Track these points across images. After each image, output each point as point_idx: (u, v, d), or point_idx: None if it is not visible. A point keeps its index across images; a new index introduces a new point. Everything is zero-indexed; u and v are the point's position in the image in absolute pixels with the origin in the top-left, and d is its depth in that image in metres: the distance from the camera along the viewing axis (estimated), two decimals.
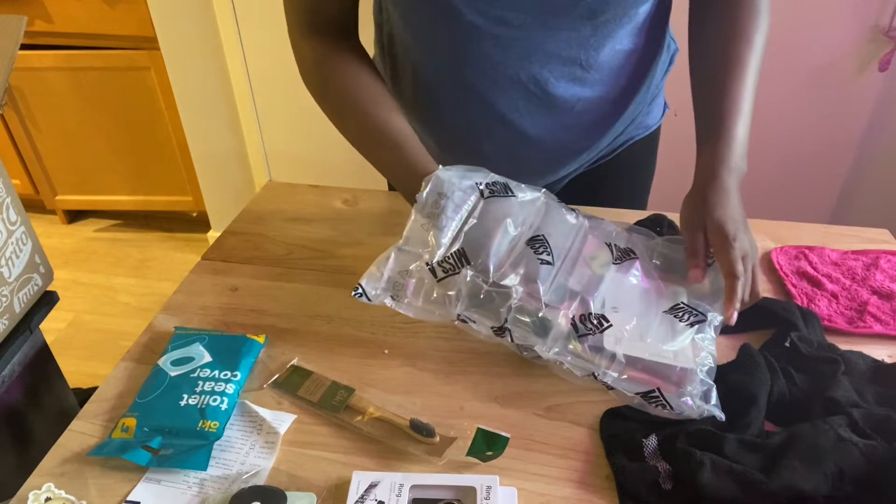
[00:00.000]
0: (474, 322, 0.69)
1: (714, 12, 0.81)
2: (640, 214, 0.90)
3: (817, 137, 1.83)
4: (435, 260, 0.69)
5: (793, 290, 0.82)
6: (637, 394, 0.65)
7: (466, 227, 0.71)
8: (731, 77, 0.77)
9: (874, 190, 1.91)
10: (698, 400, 0.63)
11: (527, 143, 0.87)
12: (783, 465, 0.57)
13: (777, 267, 0.86)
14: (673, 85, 0.98)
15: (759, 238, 0.91)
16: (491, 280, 0.68)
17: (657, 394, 0.64)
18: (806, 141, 1.83)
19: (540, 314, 0.67)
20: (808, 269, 0.85)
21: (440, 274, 0.69)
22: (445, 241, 0.70)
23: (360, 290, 0.70)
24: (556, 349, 0.67)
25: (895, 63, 1.68)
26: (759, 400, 0.64)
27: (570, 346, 0.67)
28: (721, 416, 0.63)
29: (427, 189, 0.72)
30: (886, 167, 1.87)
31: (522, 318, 0.68)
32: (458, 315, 0.69)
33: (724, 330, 0.75)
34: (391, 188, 1.10)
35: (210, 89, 1.96)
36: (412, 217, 0.72)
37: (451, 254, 0.70)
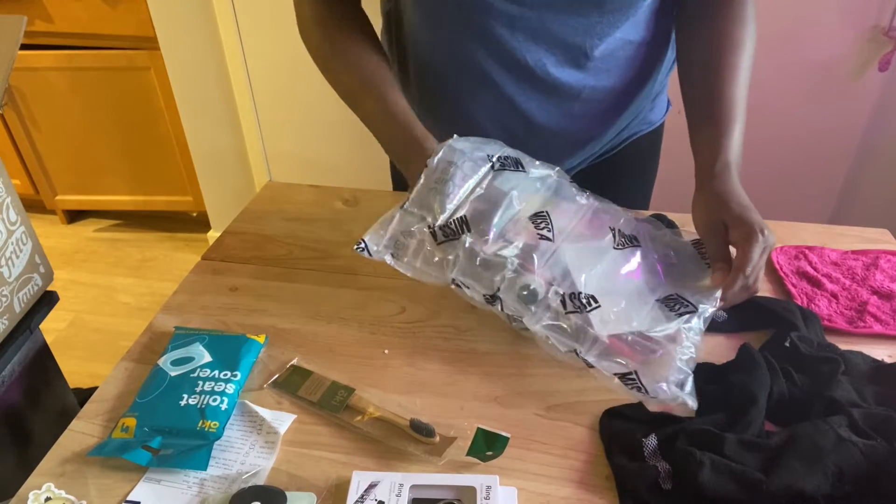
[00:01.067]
0: (468, 288, 0.71)
1: (703, 22, 0.82)
2: (641, 214, 0.90)
3: (817, 137, 1.82)
4: (437, 224, 0.71)
5: (793, 290, 0.82)
6: (615, 374, 0.65)
7: (472, 197, 0.73)
8: (727, 81, 0.78)
9: (874, 190, 1.91)
10: (674, 387, 0.64)
11: (533, 131, 0.88)
12: (783, 465, 0.57)
13: (777, 267, 0.86)
14: (676, 84, 0.98)
15: None
16: (489, 249, 0.70)
17: (634, 377, 0.65)
18: (806, 141, 1.83)
19: (531, 286, 0.69)
20: (808, 269, 0.85)
21: (440, 237, 0.71)
22: (450, 208, 0.72)
23: (362, 245, 0.72)
24: (544, 322, 0.68)
25: (895, 63, 1.68)
26: (759, 400, 0.64)
27: (559, 322, 0.68)
28: (694, 405, 0.64)
29: (438, 156, 0.75)
30: (886, 167, 1.87)
31: (514, 289, 0.69)
32: (453, 279, 0.71)
33: (725, 329, 0.76)
34: (394, 188, 1.10)
35: (210, 89, 1.96)
36: (421, 180, 0.74)
37: (454, 220, 0.72)
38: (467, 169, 0.74)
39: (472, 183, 0.74)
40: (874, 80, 1.72)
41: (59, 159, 2.30)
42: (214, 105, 2.00)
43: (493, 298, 0.70)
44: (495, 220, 0.72)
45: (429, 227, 0.72)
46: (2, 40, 0.82)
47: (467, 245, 0.70)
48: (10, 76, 0.82)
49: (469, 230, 0.71)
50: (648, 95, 0.94)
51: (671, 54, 0.92)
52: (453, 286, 0.71)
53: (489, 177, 0.75)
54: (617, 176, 1.01)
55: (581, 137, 0.92)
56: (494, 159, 0.76)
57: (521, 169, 0.76)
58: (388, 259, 0.72)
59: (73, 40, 2.04)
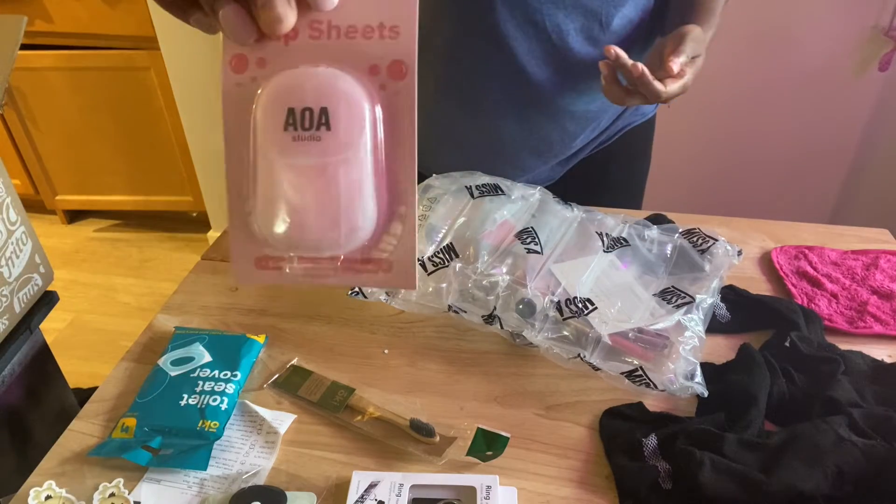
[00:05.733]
0: (465, 312, 0.72)
1: None
2: (640, 214, 0.91)
3: (817, 137, 1.82)
4: (426, 256, 0.74)
5: (793, 289, 0.82)
6: (622, 374, 0.66)
7: (456, 225, 0.76)
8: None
9: (874, 190, 1.91)
10: (682, 378, 0.64)
11: (540, 101, 0.89)
12: (783, 465, 0.57)
13: (777, 267, 0.86)
14: None
15: (760, 238, 0.92)
16: (479, 270, 0.72)
17: (640, 373, 0.65)
18: (806, 141, 1.83)
19: (527, 299, 0.70)
20: (808, 268, 0.85)
21: (430, 268, 0.73)
22: (436, 239, 0.75)
23: (356, 289, 0.74)
24: (545, 333, 0.69)
25: (895, 63, 1.68)
26: (759, 400, 0.64)
27: (559, 331, 0.69)
28: (704, 392, 0.65)
29: (418, 194, 0.79)
30: (886, 167, 1.87)
31: (510, 305, 0.70)
32: (450, 306, 0.72)
33: (725, 329, 0.76)
34: None
35: (210, 89, 1.96)
36: None
37: (441, 248, 0.74)
38: (449, 203, 0.78)
39: (454, 213, 0.78)
40: (874, 80, 1.72)
41: (59, 159, 2.30)
42: (214, 105, 1.99)
43: (491, 318, 0.71)
44: (480, 241, 0.74)
45: (418, 259, 0.73)
46: (2, 40, 0.82)
47: (457, 270, 0.73)
48: (10, 76, 0.82)
49: (457, 256, 0.73)
50: None
51: None
52: (451, 313, 0.73)
53: (469, 204, 0.78)
54: (611, 171, 1.02)
55: (582, 115, 0.93)
56: (473, 188, 0.80)
57: (500, 193, 0.79)
58: (384, 298, 0.74)
59: (73, 40, 2.04)
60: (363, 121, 0.35)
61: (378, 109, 0.36)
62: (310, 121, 0.35)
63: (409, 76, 0.36)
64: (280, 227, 0.36)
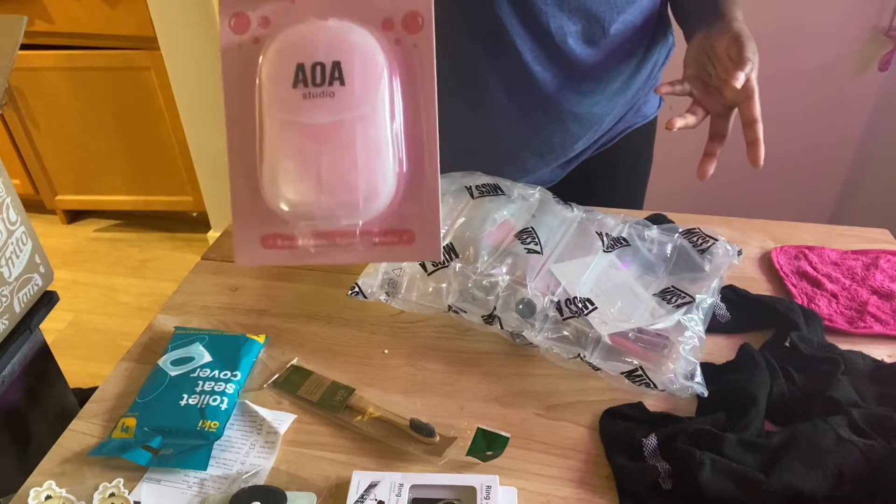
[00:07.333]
0: (465, 312, 0.72)
1: None
2: (640, 214, 0.91)
3: (817, 137, 1.82)
4: None
5: (793, 289, 0.82)
6: (622, 374, 0.66)
7: (456, 225, 0.76)
8: None
9: (874, 190, 1.91)
10: (682, 378, 0.64)
11: (544, 102, 0.89)
12: (783, 465, 0.57)
13: (777, 267, 0.86)
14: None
15: (760, 238, 0.91)
16: (479, 270, 0.72)
17: (640, 373, 0.65)
18: (806, 141, 1.83)
19: (527, 299, 0.70)
20: (808, 268, 0.85)
21: (430, 268, 0.73)
22: None
23: (356, 289, 0.74)
24: (545, 333, 0.69)
25: (895, 63, 1.68)
26: (759, 400, 0.64)
27: (559, 331, 0.69)
28: (704, 392, 0.65)
29: None
30: (886, 167, 1.87)
31: (510, 305, 0.70)
32: (450, 306, 0.72)
33: (725, 329, 0.76)
34: None
35: (210, 89, 1.96)
36: None
37: (441, 248, 0.73)
38: (449, 203, 0.78)
39: (455, 213, 0.77)
40: (874, 80, 1.72)
41: (59, 159, 2.30)
42: (214, 105, 2.00)
43: (491, 318, 0.71)
44: (480, 241, 0.74)
45: None
46: (2, 40, 0.82)
47: (457, 270, 0.73)
48: (10, 76, 0.82)
49: (457, 256, 0.73)
50: (645, 86, 0.96)
51: (665, 48, 0.95)
52: (451, 313, 0.73)
53: (469, 205, 0.78)
54: (613, 172, 1.02)
55: (587, 118, 0.93)
56: (473, 188, 0.79)
57: (500, 193, 0.79)
58: (384, 298, 0.74)
59: (73, 40, 2.04)
60: (379, 74, 0.32)
61: (395, 65, 0.33)
62: (321, 76, 0.32)
63: (425, 28, 0.33)
64: (291, 194, 0.33)
